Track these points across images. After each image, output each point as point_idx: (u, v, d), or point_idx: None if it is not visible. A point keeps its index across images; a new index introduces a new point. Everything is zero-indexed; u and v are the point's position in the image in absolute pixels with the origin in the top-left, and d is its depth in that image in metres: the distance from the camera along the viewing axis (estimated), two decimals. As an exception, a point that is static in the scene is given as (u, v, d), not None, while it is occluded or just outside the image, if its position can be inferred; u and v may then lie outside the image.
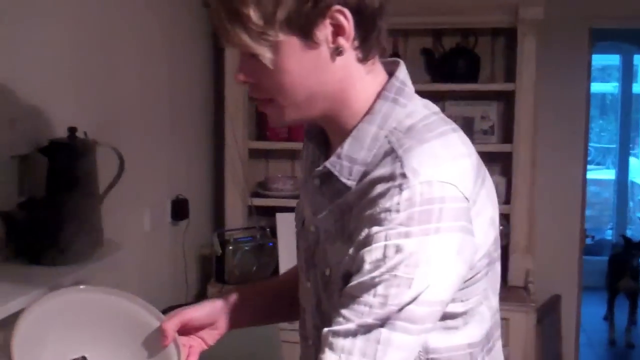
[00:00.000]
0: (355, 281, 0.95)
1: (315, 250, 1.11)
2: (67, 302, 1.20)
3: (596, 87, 5.82)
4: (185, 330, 1.22)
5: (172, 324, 1.18)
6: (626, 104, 6.85)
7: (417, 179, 0.93)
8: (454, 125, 1.04)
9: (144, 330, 1.20)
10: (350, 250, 0.98)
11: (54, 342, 1.15)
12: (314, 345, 1.14)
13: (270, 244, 3.09)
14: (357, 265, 0.96)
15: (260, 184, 3.32)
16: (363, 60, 1.01)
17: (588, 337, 4.81)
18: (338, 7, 0.95)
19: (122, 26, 2.30)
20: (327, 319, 1.03)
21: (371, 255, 0.93)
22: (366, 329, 0.93)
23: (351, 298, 0.95)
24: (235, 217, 3.18)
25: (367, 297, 0.93)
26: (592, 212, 6.62)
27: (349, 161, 1.01)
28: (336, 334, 0.95)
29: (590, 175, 3.83)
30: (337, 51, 0.97)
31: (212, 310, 1.24)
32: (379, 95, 1.03)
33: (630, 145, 7.08)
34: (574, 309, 3.47)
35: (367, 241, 0.95)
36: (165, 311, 1.26)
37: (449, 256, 0.94)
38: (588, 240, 5.46)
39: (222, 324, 1.25)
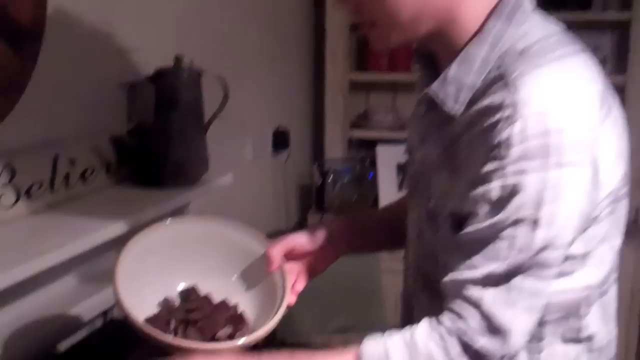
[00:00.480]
0: (476, 227, 0.90)
1: (420, 179, 1.08)
2: (171, 232, 1.21)
3: None
4: (292, 256, 1.20)
5: (278, 249, 1.16)
6: None
7: (530, 109, 0.84)
8: (578, 47, 0.94)
9: (249, 257, 1.20)
10: (460, 186, 0.93)
11: (159, 272, 1.16)
12: (414, 275, 1.12)
13: (370, 175, 3.10)
14: (471, 208, 0.91)
15: (360, 116, 3.31)
16: None
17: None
18: None
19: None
20: (429, 252, 1.03)
21: (488, 197, 0.88)
22: (496, 278, 0.89)
23: (475, 245, 0.90)
24: (334, 149, 3.20)
25: (493, 245, 0.88)
26: None
27: (456, 86, 0.94)
28: (464, 283, 0.91)
29: None
30: None
31: (319, 237, 1.21)
32: (491, 13, 0.94)
33: None
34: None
35: (481, 181, 0.89)
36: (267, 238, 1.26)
37: (572, 193, 0.86)
38: None
39: (330, 251, 1.22)
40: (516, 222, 0.87)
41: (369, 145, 3.21)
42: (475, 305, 0.90)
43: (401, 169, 3.18)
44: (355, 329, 2.36)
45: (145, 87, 1.75)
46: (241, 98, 2.36)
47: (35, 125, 1.47)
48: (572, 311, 0.98)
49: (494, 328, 0.89)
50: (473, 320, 0.90)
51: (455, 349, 0.90)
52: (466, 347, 0.90)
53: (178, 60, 1.76)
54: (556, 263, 0.89)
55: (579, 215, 0.89)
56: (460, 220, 0.94)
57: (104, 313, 1.61)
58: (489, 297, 0.89)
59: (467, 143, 0.93)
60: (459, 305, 0.91)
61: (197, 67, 1.79)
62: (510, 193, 0.86)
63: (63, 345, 1.47)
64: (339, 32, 3.07)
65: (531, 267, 0.88)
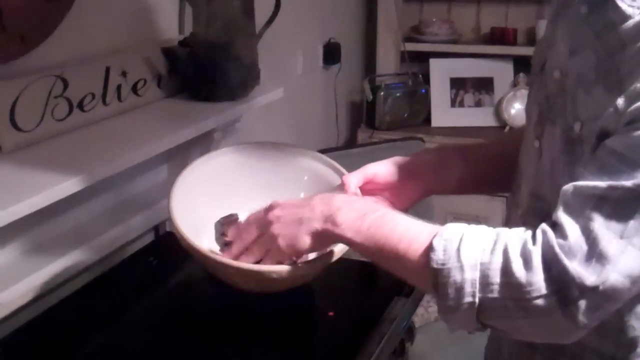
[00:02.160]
0: (621, 135, 0.75)
1: (557, 101, 0.89)
2: (244, 155, 1.20)
3: None
4: (371, 188, 1.09)
5: (354, 177, 1.08)
6: None
7: None
8: None
9: (324, 186, 1.15)
10: (619, 102, 0.77)
11: (222, 197, 1.16)
12: (525, 216, 0.96)
13: (423, 90, 3.03)
14: (626, 119, 0.75)
15: (414, 27, 3.21)
16: None
17: None
18: None
19: None
20: (555, 188, 0.84)
21: None
22: (619, 194, 0.73)
23: (612, 154, 0.75)
24: (387, 62, 3.12)
25: (631, 154, 0.73)
26: None
27: None
28: (580, 190, 0.76)
29: None
30: None
31: (401, 168, 1.09)
32: None
33: None
34: None
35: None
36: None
37: None
38: None
39: (415, 188, 1.09)
40: None
41: (423, 59, 3.12)
42: (583, 220, 0.75)
43: (455, 83, 3.09)
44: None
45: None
46: (292, 9, 2.28)
47: (87, 35, 1.45)
48: None
49: (592, 254, 0.73)
50: (572, 237, 0.75)
51: (538, 260, 0.75)
52: (551, 264, 0.75)
53: (229, -31, 1.70)
54: None
55: None
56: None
57: (156, 227, 1.62)
58: (601, 217, 0.74)
59: (636, 50, 0.76)
60: (564, 215, 0.77)
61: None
62: None
63: (118, 257, 1.49)
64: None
65: None
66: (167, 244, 1.49)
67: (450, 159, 1.11)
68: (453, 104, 3.09)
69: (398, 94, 2.98)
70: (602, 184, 0.75)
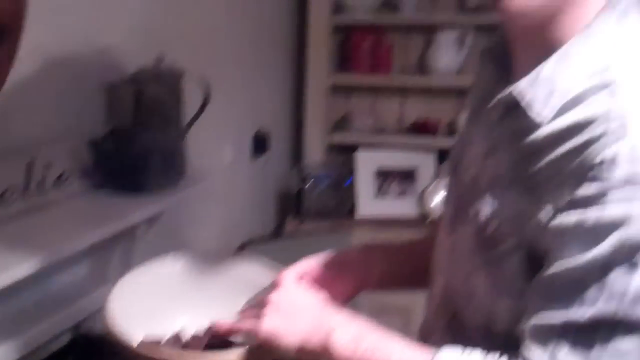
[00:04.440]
0: (560, 265, 0.75)
1: (470, 199, 0.90)
2: (172, 268, 1.20)
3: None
4: (307, 282, 1.08)
5: (288, 274, 1.07)
6: None
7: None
8: None
9: (258, 287, 1.13)
10: (538, 213, 0.77)
11: (161, 309, 1.14)
12: (438, 311, 0.99)
13: (349, 180, 3.07)
14: (553, 241, 0.76)
15: (340, 119, 3.27)
16: None
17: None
18: None
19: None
20: (468, 288, 0.89)
21: (580, 229, 0.73)
22: (577, 328, 0.74)
23: (557, 286, 0.75)
24: (314, 152, 3.15)
25: (578, 287, 0.73)
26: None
27: (548, 87, 0.78)
28: (539, 329, 0.77)
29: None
30: None
31: (332, 264, 1.10)
32: (605, 7, 0.79)
33: None
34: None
35: (571, 208, 0.73)
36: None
37: None
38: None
39: (344, 283, 1.10)
40: (612, 262, 0.71)
41: (349, 150, 3.17)
42: (548, 354, 0.76)
43: (380, 174, 3.14)
44: None
45: (124, 89, 1.69)
46: (221, 100, 2.29)
47: (11, 127, 1.41)
48: None
49: None
50: None
51: None
52: None
53: (159, 60, 1.70)
54: None
55: None
56: (535, 256, 0.78)
57: (75, 327, 1.55)
58: (564, 350, 0.75)
59: (553, 160, 0.77)
60: (531, 352, 0.78)
61: (178, 68, 1.73)
62: (611, 225, 0.71)
63: (34, 358, 1.41)
64: (321, 32, 3.03)
65: (622, 321, 0.71)
66: (86, 344, 1.43)
67: (374, 257, 1.14)
68: (378, 195, 3.13)
69: (325, 184, 3.01)
70: (555, 319, 0.75)
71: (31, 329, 1.38)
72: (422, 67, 3.12)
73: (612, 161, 0.71)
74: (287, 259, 1.13)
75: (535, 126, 0.80)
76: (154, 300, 1.15)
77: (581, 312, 0.73)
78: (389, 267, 1.14)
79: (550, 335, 0.76)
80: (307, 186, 2.94)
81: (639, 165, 0.70)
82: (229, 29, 2.47)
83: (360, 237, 2.86)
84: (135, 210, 1.53)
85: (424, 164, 3.13)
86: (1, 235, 1.29)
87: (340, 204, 3.05)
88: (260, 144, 2.82)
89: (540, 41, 0.81)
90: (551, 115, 0.78)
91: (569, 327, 0.74)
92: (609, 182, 0.71)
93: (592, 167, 0.72)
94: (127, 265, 1.63)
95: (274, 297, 0.99)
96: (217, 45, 2.38)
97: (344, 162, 3.12)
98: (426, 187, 3.07)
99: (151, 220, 1.68)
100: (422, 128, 3.12)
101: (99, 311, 1.58)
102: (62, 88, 1.55)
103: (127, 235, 1.60)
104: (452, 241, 0.95)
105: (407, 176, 3.15)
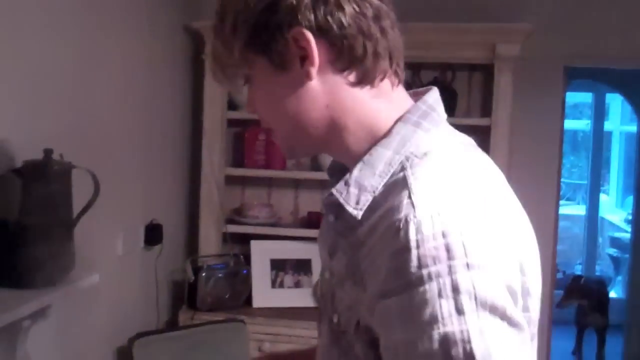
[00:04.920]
0: (385, 349, 0.81)
1: (326, 298, 0.99)
2: None
3: (568, 124, 5.90)
4: None
5: None
6: (597, 141, 6.98)
7: (427, 211, 0.79)
8: (484, 156, 0.94)
9: None
10: (366, 298, 0.84)
11: None
12: None
13: (245, 271, 3.07)
14: (381, 322, 0.82)
15: (235, 210, 3.31)
16: (358, 84, 0.91)
17: (557, 372, 4.83)
18: (297, 29, 0.87)
19: (101, 47, 2.30)
20: None
21: (395, 310, 0.79)
22: None
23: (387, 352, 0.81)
24: (209, 243, 3.16)
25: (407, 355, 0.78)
26: (563, 246, 6.69)
27: (357, 188, 0.90)
28: None
29: (561, 210, 3.87)
30: (308, 75, 0.89)
31: None
32: (399, 119, 0.92)
33: (601, 182, 7.18)
34: (544, 343, 3.48)
35: (385, 292, 0.80)
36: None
37: (491, 292, 0.77)
38: (559, 275, 5.50)
39: None
40: (424, 340, 0.76)
41: (244, 240, 3.19)
42: None
43: (275, 264, 3.17)
44: None
45: (11, 180, 1.67)
46: (114, 191, 2.30)
47: None
48: None
49: None
50: None
51: None
52: None
53: (47, 153, 1.70)
54: None
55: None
56: (373, 339, 0.85)
57: None
58: None
59: (368, 250, 0.86)
60: None
61: (67, 160, 1.74)
62: (420, 304, 0.77)
63: None
64: (215, 126, 3.09)
65: None
66: None
67: None
68: (274, 285, 3.15)
69: (220, 275, 3.00)
70: None
71: None
72: (315, 163, 3.22)
73: (404, 247, 0.78)
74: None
75: (355, 221, 0.89)
76: None
77: None
78: None
79: None
80: (201, 277, 2.93)
81: (427, 248, 0.77)
82: (122, 120, 2.50)
83: (256, 328, 2.86)
84: (20, 304, 1.50)
85: (318, 255, 3.18)
86: None
87: (236, 295, 3.04)
88: (153, 235, 2.80)
89: (350, 158, 0.94)
90: (363, 209, 0.89)
91: None
92: (406, 266, 0.78)
93: (392, 254, 0.80)
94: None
95: None
96: (109, 136, 2.39)
97: (239, 253, 3.13)
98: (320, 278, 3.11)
99: (37, 314, 1.64)
100: (315, 221, 3.18)
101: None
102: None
103: (12, 329, 1.56)
104: (321, 342, 1.02)
105: (302, 267, 3.19)
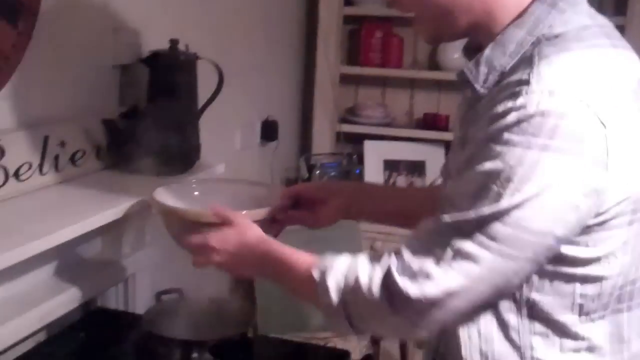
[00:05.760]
0: (453, 180, 0.95)
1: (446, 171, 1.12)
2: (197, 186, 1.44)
3: None
4: (298, 203, 1.29)
5: (283, 192, 1.30)
6: None
7: (539, 86, 0.84)
8: (622, 43, 0.93)
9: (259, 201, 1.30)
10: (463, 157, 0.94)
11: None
12: None
13: (357, 171, 3.07)
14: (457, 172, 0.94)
15: (349, 110, 3.28)
16: None
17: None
18: None
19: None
20: None
21: (474, 157, 0.88)
22: (443, 226, 0.89)
23: (443, 198, 0.93)
24: (322, 142, 3.16)
25: (454, 200, 0.90)
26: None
27: (487, 67, 0.93)
28: (418, 228, 0.94)
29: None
30: None
31: (323, 190, 1.32)
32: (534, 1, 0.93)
33: None
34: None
35: (474, 143, 0.90)
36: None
37: (553, 181, 0.83)
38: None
39: (331, 206, 1.26)
40: (482, 187, 0.86)
41: (357, 140, 3.18)
42: (408, 247, 0.92)
43: (388, 165, 3.15)
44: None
45: (139, 70, 1.70)
46: (232, 87, 2.30)
47: (27, 104, 1.42)
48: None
49: (414, 272, 0.89)
50: (406, 259, 0.91)
51: (378, 276, 0.92)
52: (387, 279, 0.92)
53: (174, 43, 1.71)
54: (513, 245, 0.85)
55: (564, 208, 0.85)
56: None
57: (86, 303, 1.56)
58: (418, 244, 0.91)
59: (481, 119, 0.91)
60: (404, 244, 0.94)
61: (193, 51, 1.74)
62: (491, 159, 0.85)
63: (43, 335, 1.43)
64: (331, 24, 3.03)
65: (476, 231, 0.86)
66: (99, 319, 1.44)
67: (364, 190, 1.37)
68: (386, 184, 3.14)
69: (333, 173, 3.01)
70: (430, 222, 0.92)
71: (45, 303, 1.39)
72: (433, 61, 3.12)
73: (506, 112, 0.85)
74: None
75: (479, 97, 0.94)
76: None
77: (443, 220, 0.90)
78: (375, 201, 1.32)
79: (421, 235, 0.93)
80: (314, 174, 2.95)
81: (523, 118, 0.83)
82: (242, 16, 2.48)
83: (368, 227, 2.87)
84: (149, 191, 1.53)
85: (433, 156, 3.14)
86: (17, 210, 1.30)
87: (347, 194, 3.06)
88: (269, 131, 2.82)
89: (488, 38, 0.95)
90: (489, 87, 0.93)
91: (434, 230, 0.91)
92: (495, 127, 0.86)
93: (492, 117, 0.87)
94: (140, 243, 1.65)
95: (227, 234, 1.13)
96: (230, 32, 2.39)
97: (352, 152, 3.12)
98: (435, 179, 3.07)
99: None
100: (431, 122, 3.12)
101: (112, 287, 1.61)
102: (78, 67, 1.57)
103: (141, 215, 1.61)
104: None
105: (415, 168, 3.16)
